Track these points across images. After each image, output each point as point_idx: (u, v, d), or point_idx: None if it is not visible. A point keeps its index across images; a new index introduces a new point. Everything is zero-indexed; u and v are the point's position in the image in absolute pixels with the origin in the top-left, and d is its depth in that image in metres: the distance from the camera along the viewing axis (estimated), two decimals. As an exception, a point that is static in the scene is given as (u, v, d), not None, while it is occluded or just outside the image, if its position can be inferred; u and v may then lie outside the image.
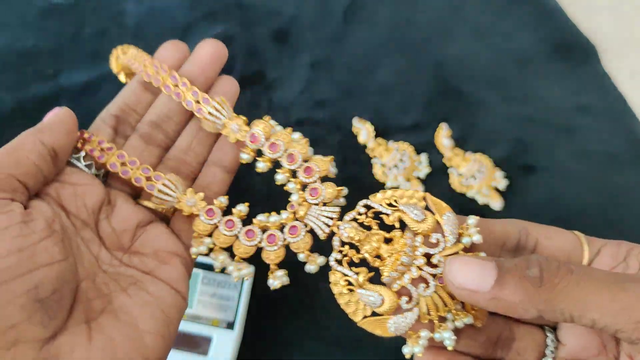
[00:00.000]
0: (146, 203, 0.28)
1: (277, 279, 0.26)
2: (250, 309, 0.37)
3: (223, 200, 0.27)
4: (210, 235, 0.27)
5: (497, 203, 0.42)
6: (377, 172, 0.43)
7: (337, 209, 0.25)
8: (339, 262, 0.24)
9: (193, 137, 0.30)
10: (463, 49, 0.48)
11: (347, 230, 0.24)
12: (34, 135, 0.25)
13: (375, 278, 0.24)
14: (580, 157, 0.44)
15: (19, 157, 0.24)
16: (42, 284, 0.21)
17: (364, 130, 0.44)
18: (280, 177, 0.27)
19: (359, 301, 0.23)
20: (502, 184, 0.42)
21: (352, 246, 0.25)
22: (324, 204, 0.26)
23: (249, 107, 0.45)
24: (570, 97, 0.46)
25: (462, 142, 0.44)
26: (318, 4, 0.50)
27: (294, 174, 0.27)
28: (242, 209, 0.27)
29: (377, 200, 0.25)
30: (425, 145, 0.44)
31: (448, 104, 0.46)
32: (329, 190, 0.25)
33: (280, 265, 0.40)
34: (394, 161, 0.43)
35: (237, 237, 0.26)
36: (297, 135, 0.28)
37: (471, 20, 0.50)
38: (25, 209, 0.23)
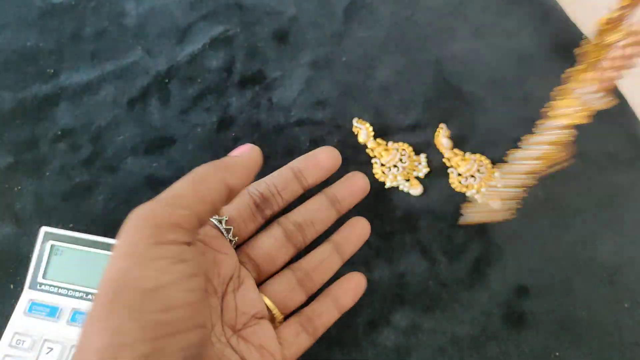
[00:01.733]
0: (267, 300, 0.29)
1: None
2: (251, 309, 0.37)
3: None
4: None
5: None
6: (377, 172, 0.43)
7: None
8: None
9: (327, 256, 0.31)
10: (463, 48, 0.48)
11: None
12: (221, 173, 0.23)
13: None
14: (579, 156, 0.44)
15: (203, 194, 0.22)
16: (193, 345, 0.19)
17: (363, 130, 0.44)
18: None
19: None
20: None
21: None
22: None
23: (249, 107, 0.45)
24: (570, 96, 0.46)
25: (461, 142, 0.44)
26: (318, 4, 0.50)
27: None
28: None
29: None
30: (425, 145, 0.44)
31: (448, 103, 0.46)
32: None
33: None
34: (393, 161, 0.43)
35: None
36: None
37: (471, 20, 0.50)
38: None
